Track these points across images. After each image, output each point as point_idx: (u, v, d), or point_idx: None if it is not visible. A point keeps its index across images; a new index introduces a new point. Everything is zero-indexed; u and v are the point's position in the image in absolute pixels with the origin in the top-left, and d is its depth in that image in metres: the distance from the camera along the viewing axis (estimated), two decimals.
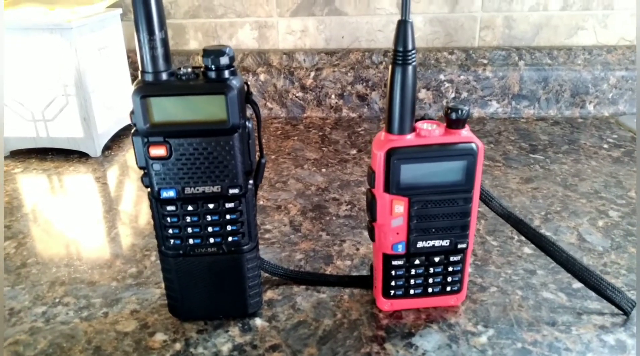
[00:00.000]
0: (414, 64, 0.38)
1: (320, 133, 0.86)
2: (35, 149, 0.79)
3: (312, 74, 0.92)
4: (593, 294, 0.44)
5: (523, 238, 0.46)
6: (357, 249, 0.54)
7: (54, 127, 0.77)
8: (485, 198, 0.44)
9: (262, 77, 0.93)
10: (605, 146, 0.78)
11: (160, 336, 0.42)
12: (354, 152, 0.79)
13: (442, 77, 0.90)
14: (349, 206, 0.62)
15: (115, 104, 0.83)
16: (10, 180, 0.72)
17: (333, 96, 0.93)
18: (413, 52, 0.38)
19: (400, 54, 0.38)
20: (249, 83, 0.64)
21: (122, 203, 0.65)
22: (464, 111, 0.39)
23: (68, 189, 0.69)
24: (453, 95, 0.91)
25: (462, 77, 0.90)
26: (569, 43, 0.92)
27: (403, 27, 0.37)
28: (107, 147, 0.81)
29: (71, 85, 0.74)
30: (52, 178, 0.72)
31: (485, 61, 0.91)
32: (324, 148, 0.80)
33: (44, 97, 0.75)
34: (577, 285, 0.46)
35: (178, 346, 0.41)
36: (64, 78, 0.74)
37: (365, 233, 0.56)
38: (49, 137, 0.78)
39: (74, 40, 0.71)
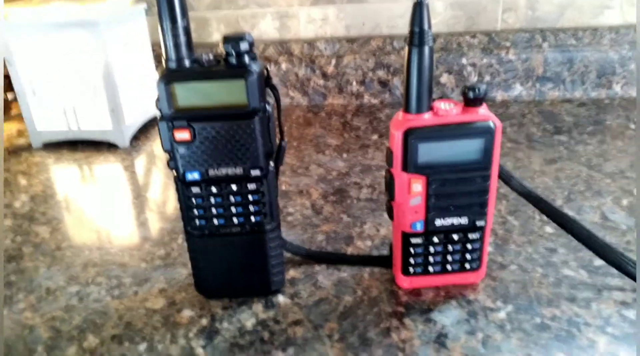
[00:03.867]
0: (430, 44, 0.38)
1: (342, 120, 0.86)
2: (66, 141, 0.82)
3: (333, 61, 0.92)
4: (614, 271, 0.44)
5: (544, 217, 0.46)
6: (378, 230, 0.54)
7: (84, 120, 0.80)
8: (505, 178, 0.44)
9: (283, 66, 0.94)
10: (632, 126, 0.76)
11: (187, 313, 0.44)
12: (375, 137, 0.79)
13: (464, 61, 0.90)
14: (370, 189, 0.63)
15: (142, 96, 0.85)
16: (44, 170, 0.75)
17: (354, 83, 0.93)
18: (429, 32, 0.38)
19: (416, 34, 0.38)
20: (269, 69, 0.65)
21: (149, 190, 0.67)
22: (481, 89, 0.39)
23: (98, 178, 0.72)
24: (476, 78, 0.91)
25: (484, 60, 0.89)
26: (594, 23, 0.90)
27: (419, 8, 0.38)
28: (135, 138, 0.83)
29: (99, 78, 0.76)
30: (83, 168, 0.75)
31: (508, 44, 0.90)
32: (345, 135, 0.80)
33: (74, 91, 0.78)
34: (599, 262, 0.46)
35: (204, 321, 0.43)
36: (92, 72, 0.76)
37: (386, 215, 0.57)
38: (79, 129, 0.80)
39: (101, 35, 0.74)
